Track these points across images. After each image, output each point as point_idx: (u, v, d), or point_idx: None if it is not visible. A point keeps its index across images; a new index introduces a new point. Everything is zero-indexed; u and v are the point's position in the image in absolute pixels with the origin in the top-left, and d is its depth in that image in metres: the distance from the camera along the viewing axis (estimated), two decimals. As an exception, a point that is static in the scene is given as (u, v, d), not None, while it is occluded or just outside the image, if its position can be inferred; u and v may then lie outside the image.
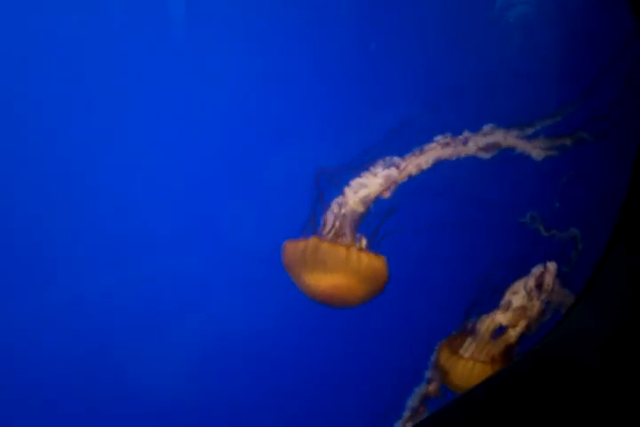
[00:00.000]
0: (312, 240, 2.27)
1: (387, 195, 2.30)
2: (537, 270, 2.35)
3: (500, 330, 2.42)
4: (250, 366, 2.48)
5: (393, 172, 2.28)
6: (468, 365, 2.35)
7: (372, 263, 2.28)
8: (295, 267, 2.32)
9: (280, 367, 2.49)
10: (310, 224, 2.29)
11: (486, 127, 2.28)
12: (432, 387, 2.54)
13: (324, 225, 2.29)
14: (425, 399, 2.55)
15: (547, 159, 2.29)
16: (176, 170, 2.32)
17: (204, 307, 2.43)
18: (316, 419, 2.54)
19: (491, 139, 2.29)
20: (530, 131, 2.27)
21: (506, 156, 2.31)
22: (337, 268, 2.26)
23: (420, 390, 2.57)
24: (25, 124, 2.18)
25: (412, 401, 2.56)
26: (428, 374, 2.54)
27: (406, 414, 2.59)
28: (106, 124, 2.24)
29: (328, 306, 2.32)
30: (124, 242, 2.33)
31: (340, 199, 2.28)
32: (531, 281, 2.35)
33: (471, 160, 2.29)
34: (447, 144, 2.28)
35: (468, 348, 2.40)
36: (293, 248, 2.30)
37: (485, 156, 2.30)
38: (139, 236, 2.34)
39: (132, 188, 2.32)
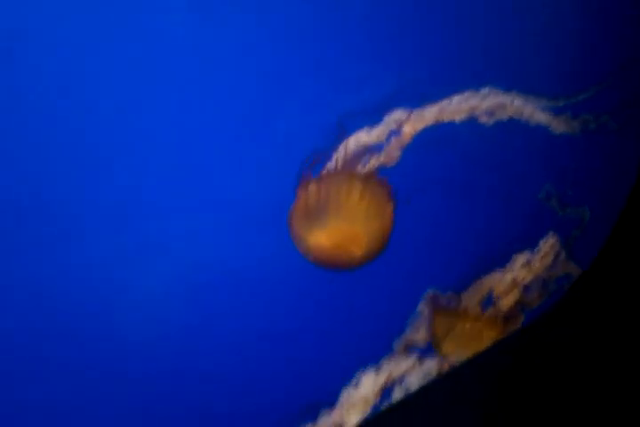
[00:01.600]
0: (312, 185, 2.28)
1: (395, 151, 2.31)
2: (542, 242, 2.34)
3: (493, 297, 2.42)
4: (255, 305, 2.49)
5: (400, 124, 2.29)
6: (466, 326, 2.35)
7: (375, 195, 2.28)
8: (299, 223, 2.31)
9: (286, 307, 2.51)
10: (319, 166, 2.30)
11: (497, 93, 2.28)
12: (418, 336, 2.54)
13: (333, 168, 2.30)
14: (409, 347, 2.55)
15: (566, 136, 2.28)
16: (195, 116, 2.32)
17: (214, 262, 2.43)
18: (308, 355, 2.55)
19: (499, 103, 2.28)
20: (551, 104, 2.26)
21: (520, 125, 2.30)
22: (340, 207, 2.25)
23: (405, 336, 2.57)
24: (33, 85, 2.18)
25: (397, 344, 2.57)
26: (414, 323, 2.54)
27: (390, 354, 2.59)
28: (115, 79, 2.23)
29: (332, 268, 2.32)
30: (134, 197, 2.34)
31: (348, 145, 2.30)
32: (534, 252, 2.34)
33: (479, 124, 2.30)
34: (457, 103, 2.29)
35: (464, 313, 2.39)
36: (297, 207, 2.31)
37: (489, 121, 2.30)
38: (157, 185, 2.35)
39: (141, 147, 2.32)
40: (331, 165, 2.32)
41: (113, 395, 2.38)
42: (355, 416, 2.37)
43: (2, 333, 2.29)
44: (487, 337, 2.33)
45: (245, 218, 2.40)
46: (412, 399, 1.78)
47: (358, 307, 2.55)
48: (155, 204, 2.38)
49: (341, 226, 2.27)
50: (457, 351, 2.36)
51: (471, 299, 2.38)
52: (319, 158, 2.32)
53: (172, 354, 2.43)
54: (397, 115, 2.32)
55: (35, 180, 2.29)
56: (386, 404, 2.37)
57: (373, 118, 2.31)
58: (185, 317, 2.42)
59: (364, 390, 2.39)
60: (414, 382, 2.39)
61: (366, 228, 2.29)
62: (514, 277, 2.35)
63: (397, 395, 2.37)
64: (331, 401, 2.40)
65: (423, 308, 2.47)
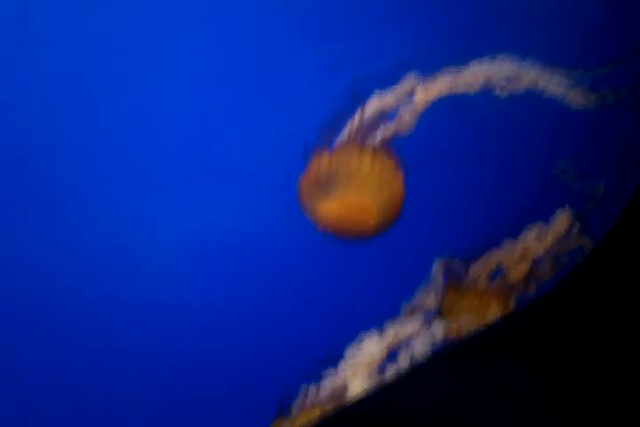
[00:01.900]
0: (323, 157, 2.27)
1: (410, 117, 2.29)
2: (556, 215, 2.33)
3: (502, 270, 2.41)
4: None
5: (414, 92, 2.27)
6: (473, 301, 2.35)
7: (385, 165, 2.28)
8: (308, 193, 2.31)
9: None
10: (330, 135, 2.28)
11: (514, 62, 2.26)
12: (428, 301, 2.54)
13: (344, 137, 2.29)
14: (417, 310, 2.55)
15: (583, 109, 2.26)
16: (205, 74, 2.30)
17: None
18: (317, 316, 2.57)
19: (515, 73, 2.26)
20: (569, 76, 2.24)
21: (536, 96, 2.28)
22: (350, 177, 2.25)
23: (414, 301, 2.57)
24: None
25: (404, 307, 2.57)
26: (423, 290, 2.53)
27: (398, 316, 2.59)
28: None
29: (343, 238, 2.32)
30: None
31: (361, 113, 2.28)
32: (546, 225, 2.33)
33: (493, 94, 2.28)
34: (472, 72, 2.26)
35: (473, 286, 2.39)
36: (307, 177, 2.30)
37: (505, 91, 2.28)
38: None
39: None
40: (344, 133, 2.30)
41: (122, 361, 2.41)
42: (359, 380, 2.39)
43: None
44: (495, 311, 2.32)
45: (256, 186, 2.40)
46: (415, 371, 1.78)
47: (368, 273, 2.56)
48: (162, 170, 2.38)
49: (351, 196, 2.26)
50: (464, 324, 2.36)
51: (480, 271, 2.38)
52: (332, 126, 2.30)
53: (181, 318, 2.45)
54: (411, 82, 2.29)
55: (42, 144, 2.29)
56: (390, 370, 2.38)
57: (387, 86, 2.29)
58: (193, 283, 2.44)
59: (369, 351, 2.39)
60: (420, 345, 2.39)
61: (376, 198, 2.28)
62: (525, 250, 2.34)
63: (403, 359, 2.38)
64: (334, 364, 2.42)
65: (434, 275, 2.47)
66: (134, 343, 2.39)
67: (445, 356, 1.73)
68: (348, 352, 2.41)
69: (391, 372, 2.37)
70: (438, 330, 2.39)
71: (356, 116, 2.27)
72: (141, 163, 2.35)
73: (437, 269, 2.44)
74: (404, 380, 1.65)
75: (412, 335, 2.44)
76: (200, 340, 2.46)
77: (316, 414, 2.35)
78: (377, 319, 2.51)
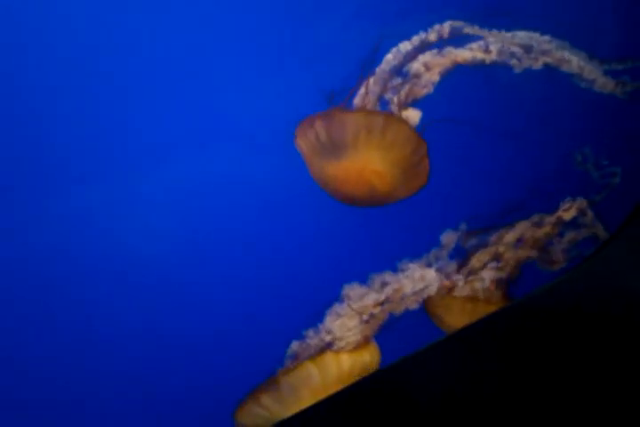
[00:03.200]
0: (322, 114, 2.10)
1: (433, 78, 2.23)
2: (569, 202, 2.32)
3: (501, 257, 2.39)
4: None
5: (432, 59, 2.23)
6: (467, 306, 2.30)
7: (401, 129, 2.11)
8: (314, 154, 2.20)
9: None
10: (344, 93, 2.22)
11: (536, 37, 2.22)
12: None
13: (358, 95, 2.19)
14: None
15: (605, 95, 2.24)
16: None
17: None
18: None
19: (537, 48, 2.22)
20: (603, 64, 2.21)
21: (558, 75, 2.26)
22: (358, 139, 2.10)
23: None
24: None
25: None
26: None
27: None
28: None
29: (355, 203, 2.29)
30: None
31: (377, 71, 2.22)
32: (559, 211, 2.32)
33: (513, 68, 2.25)
34: (492, 42, 2.22)
35: (463, 288, 2.35)
36: (304, 132, 2.16)
37: (523, 66, 2.24)
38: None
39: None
40: (358, 91, 2.24)
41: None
42: (349, 333, 2.39)
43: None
44: (494, 295, 2.32)
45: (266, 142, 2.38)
46: (428, 353, 1.79)
47: (369, 235, 2.56)
48: (163, 120, 2.36)
49: (358, 159, 2.15)
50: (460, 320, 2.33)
51: (481, 257, 2.35)
52: (347, 85, 2.24)
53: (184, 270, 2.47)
54: (429, 43, 2.24)
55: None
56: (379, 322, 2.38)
57: (404, 52, 2.23)
58: (196, 243, 2.44)
59: (361, 304, 2.39)
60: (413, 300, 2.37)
61: (389, 163, 2.16)
62: (535, 236, 2.33)
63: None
64: (322, 318, 2.43)
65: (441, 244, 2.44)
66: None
67: (457, 340, 1.75)
68: (339, 307, 2.42)
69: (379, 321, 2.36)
70: (433, 288, 2.34)
71: (373, 74, 2.19)
72: (145, 115, 2.33)
73: (446, 239, 2.41)
74: (418, 361, 1.67)
75: (406, 293, 2.42)
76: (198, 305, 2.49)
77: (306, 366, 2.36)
78: (366, 275, 2.52)
